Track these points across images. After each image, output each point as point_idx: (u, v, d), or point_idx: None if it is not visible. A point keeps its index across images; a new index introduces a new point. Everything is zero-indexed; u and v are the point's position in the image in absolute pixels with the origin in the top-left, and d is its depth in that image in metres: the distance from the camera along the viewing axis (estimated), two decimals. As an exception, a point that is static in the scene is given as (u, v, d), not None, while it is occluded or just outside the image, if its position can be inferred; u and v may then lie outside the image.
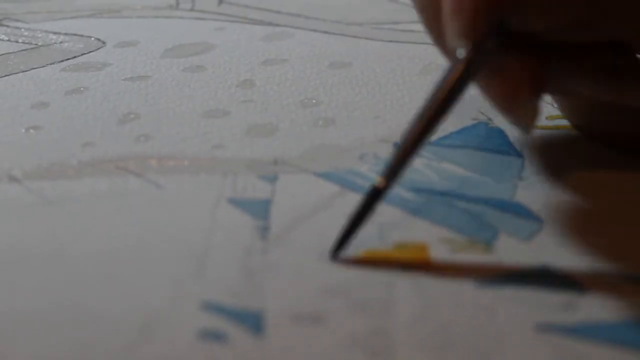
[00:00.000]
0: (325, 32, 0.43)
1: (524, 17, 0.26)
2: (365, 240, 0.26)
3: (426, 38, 0.42)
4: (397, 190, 0.29)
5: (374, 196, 0.26)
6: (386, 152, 0.31)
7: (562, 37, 0.27)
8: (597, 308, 0.24)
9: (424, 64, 0.39)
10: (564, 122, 0.33)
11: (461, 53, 0.26)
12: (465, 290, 0.25)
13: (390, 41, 0.42)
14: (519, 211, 0.28)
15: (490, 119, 0.33)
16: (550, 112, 0.34)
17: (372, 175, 0.30)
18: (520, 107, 0.27)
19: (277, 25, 0.44)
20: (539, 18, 0.26)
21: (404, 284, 0.25)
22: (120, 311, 0.24)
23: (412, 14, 0.45)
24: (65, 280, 0.25)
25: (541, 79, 0.27)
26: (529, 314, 0.24)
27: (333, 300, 0.24)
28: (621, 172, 0.30)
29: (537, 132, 0.32)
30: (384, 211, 0.27)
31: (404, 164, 0.26)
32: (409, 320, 0.24)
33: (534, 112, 0.27)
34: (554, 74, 0.28)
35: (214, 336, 0.23)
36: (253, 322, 0.24)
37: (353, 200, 0.28)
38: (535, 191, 0.29)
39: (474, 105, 0.34)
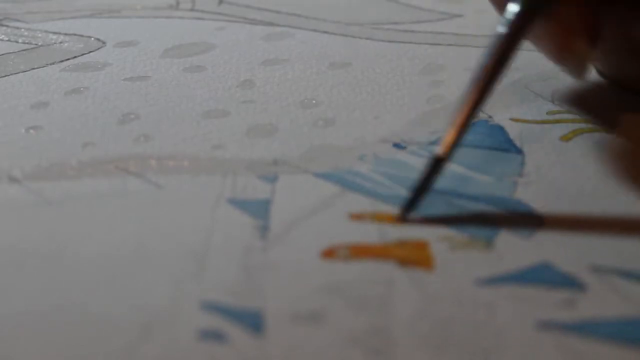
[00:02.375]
0: (325, 32, 0.43)
1: None
2: (364, 238, 0.26)
3: (426, 38, 0.42)
4: (398, 190, 0.29)
5: (436, 166, 0.27)
6: (386, 153, 0.31)
7: None
8: (598, 305, 0.24)
9: (424, 64, 0.39)
10: (565, 117, 0.33)
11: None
12: (465, 287, 0.25)
13: (390, 41, 0.42)
14: (519, 208, 0.28)
15: (490, 117, 0.33)
16: (550, 108, 0.34)
17: (373, 175, 0.30)
18: (574, 57, 0.27)
19: (277, 25, 0.44)
20: None
21: (403, 281, 0.25)
22: (120, 311, 0.24)
23: (412, 14, 0.46)
24: (64, 281, 0.25)
25: (596, 28, 0.27)
26: (529, 311, 0.24)
27: (333, 298, 0.24)
28: (622, 170, 0.30)
29: (537, 128, 0.32)
30: (383, 210, 0.28)
31: (464, 129, 0.26)
32: (408, 318, 0.24)
33: (587, 59, 0.27)
34: (610, 21, 0.27)
35: (214, 336, 0.23)
36: (253, 321, 0.24)
37: (353, 201, 0.28)
38: (535, 188, 0.29)
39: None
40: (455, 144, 0.26)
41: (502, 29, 0.26)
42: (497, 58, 0.26)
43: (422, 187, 0.27)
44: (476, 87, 0.26)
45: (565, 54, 0.27)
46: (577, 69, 0.27)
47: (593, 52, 0.27)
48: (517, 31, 0.26)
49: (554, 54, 0.27)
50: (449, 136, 0.26)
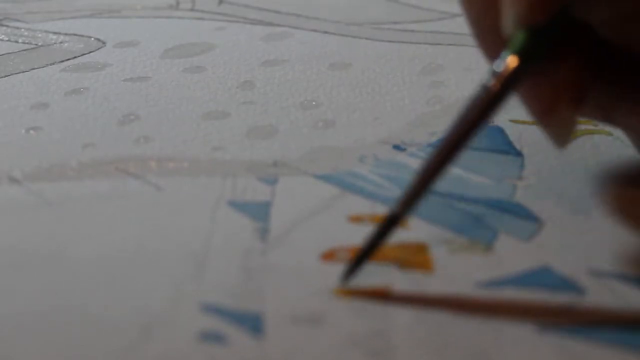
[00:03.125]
0: (325, 32, 0.43)
1: (590, 1, 0.24)
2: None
3: (426, 38, 0.42)
4: (397, 192, 0.29)
5: (390, 224, 0.24)
6: (386, 154, 0.31)
7: (624, 34, 0.25)
8: (597, 309, 0.24)
9: (424, 64, 0.39)
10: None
11: (506, 55, 0.24)
12: (465, 290, 0.25)
13: (390, 41, 0.42)
14: (519, 211, 0.28)
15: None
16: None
17: (372, 177, 0.30)
18: (555, 119, 0.25)
19: (277, 25, 0.44)
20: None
21: (403, 284, 0.25)
22: (120, 313, 0.24)
23: (412, 14, 0.46)
24: (64, 282, 0.25)
25: (583, 93, 0.25)
26: (529, 315, 0.24)
27: (332, 301, 0.24)
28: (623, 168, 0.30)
29: (537, 130, 0.32)
30: (383, 212, 0.28)
31: (424, 189, 0.24)
32: (408, 320, 0.24)
33: (570, 126, 0.26)
34: (603, 95, 0.26)
35: (214, 338, 0.23)
36: (253, 323, 0.24)
37: (353, 202, 0.28)
38: (534, 191, 0.29)
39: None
40: (413, 202, 0.24)
41: (490, 81, 0.24)
42: (479, 113, 0.24)
43: (370, 249, 0.25)
44: (449, 142, 0.24)
45: (549, 117, 0.25)
46: (560, 137, 0.26)
47: (576, 123, 0.25)
48: (507, 84, 0.24)
49: (537, 114, 0.25)
50: (407, 192, 0.24)
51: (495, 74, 0.24)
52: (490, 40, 0.26)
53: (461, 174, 0.30)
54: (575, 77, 0.25)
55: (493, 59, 0.25)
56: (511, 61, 0.24)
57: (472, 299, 0.24)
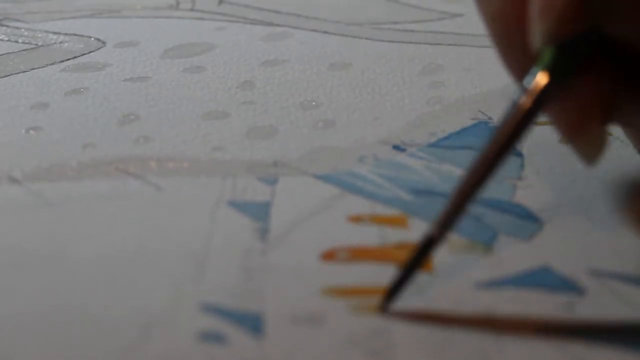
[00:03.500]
0: (325, 32, 0.43)
1: (620, 16, 0.24)
2: (364, 241, 0.27)
3: (426, 38, 0.42)
4: (397, 192, 0.29)
5: (427, 246, 0.24)
6: (386, 154, 0.31)
7: None
8: (596, 309, 0.24)
9: (424, 64, 0.39)
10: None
11: (535, 71, 0.24)
12: (465, 290, 0.25)
13: (390, 41, 0.42)
14: (519, 212, 0.28)
15: (490, 118, 0.33)
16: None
17: (372, 177, 0.30)
18: (585, 137, 0.25)
19: (277, 25, 0.44)
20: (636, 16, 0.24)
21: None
22: (120, 312, 0.24)
23: (412, 14, 0.46)
24: (65, 282, 0.25)
25: (611, 107, 0.25)
26: (529, 314, 0.24)
27: (332, 301, 0.24)
28: (623, 170, 0.30)
29: (537, 131, 0.32)
30: (383, 212, 0.28)
31: (460, 209, 0.24)
32: (408, 320, 0.24)
33: (600, 145, 0.25)
34: (630, 107, 0.26)
35: (214, 337, 0.23)
36: (253, 323, 0.24)
37: (353, 203, 0.28)
38: (534, 191, 0.29)
39: (474, 104, 0.34)
40: (451, 222, 0.24)
41: (521, 99, 0.24)
42: (512, 130, 0.24)
43: (409, 271, 0.24)
44: (483, 161, 0.24)
45: (579, 135, 0.25)
46: (589, 154, 0.25)
47: (606, 139, 0.25)
48: (538, 101, 0.24)
49: (566, 133, 0.25)
50: (444, 212, 0.24)
51: (525, 90, 0.24)
52: (516, 58, 0.25)
53: (461, 174, 0.30)
54: (603, 92, 0.25)
55: (518, 76, 0.25)
56: (541, 78, 0.24)
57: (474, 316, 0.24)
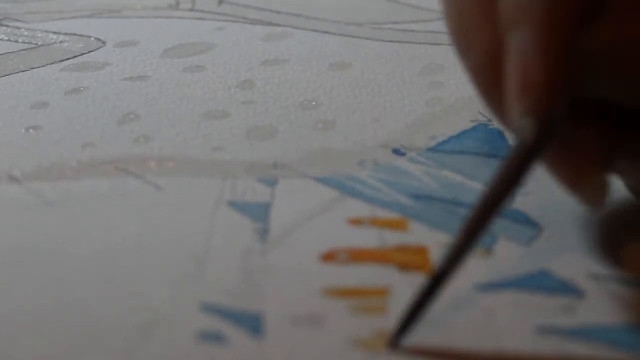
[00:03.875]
0: (325, 32, 0.43)
1: (599, 84, 0.24)
2: (364, 243, 0.27)
3: (426, 38, 0.42)
4: (396, 196, 0.29)
5: (437, 280, 0.23)
6: (385, 158, 0.31)
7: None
8: (596, 312, 0.24)
9: (424, 64, 0.39)
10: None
11: (524, 125, 0.23)
12: (465, 293, 0.25)
13: (391, 41, 0.42)
14: (518, 217, 0.28)
15: (489, 120, 0.33)
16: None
17: (371, 181, 0.30)
18: (586, 185, 0.25)
19: (277, 25, 0.44)
20: (615, 84, 0.24)
21: (403, 286, 0.25)
22: (120, 312, 0.24)
23: (412, 14, 0.46)
24: (64, 281, 0.25)
25: (611, 154, 0.25)
26: (529, 317, 0.24)
27: (332, 301, 0.24)
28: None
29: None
30: (382, 216, 0.28)
31: (468, 247, 0.23)
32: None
33: (602, 190, 0.25)
34: (628, 151, 0.25)
35: (214, 338, 0.23)
36: (252, 323, 0.24)
37: (352, 205, 0.28)
38: (534, 196, 0.29)
39: (473, 106, 0.34)
40: (459, 259, 0.23)
41: (516, 150, 0.23)
42: (508, 180, 0.23)
43: (418, 308, 0.23)
44: (483, 208, 0.23)
45: (579, 184, 0.24)
46: (592, 199, 0.25)
47: (608, 184, 0.24)
48: (532, 152, 0.23)
49: (566, 182, 0.24)
50: (452, 248, 0.23)
51: (521, 141, 0.23)
52: (500, 108, 0.25)
53: (460, 180, 0.30)
54: (599, 140, 0.25)
55: (505, 122, 0.25)
56: (524, 148, 0.23)
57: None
